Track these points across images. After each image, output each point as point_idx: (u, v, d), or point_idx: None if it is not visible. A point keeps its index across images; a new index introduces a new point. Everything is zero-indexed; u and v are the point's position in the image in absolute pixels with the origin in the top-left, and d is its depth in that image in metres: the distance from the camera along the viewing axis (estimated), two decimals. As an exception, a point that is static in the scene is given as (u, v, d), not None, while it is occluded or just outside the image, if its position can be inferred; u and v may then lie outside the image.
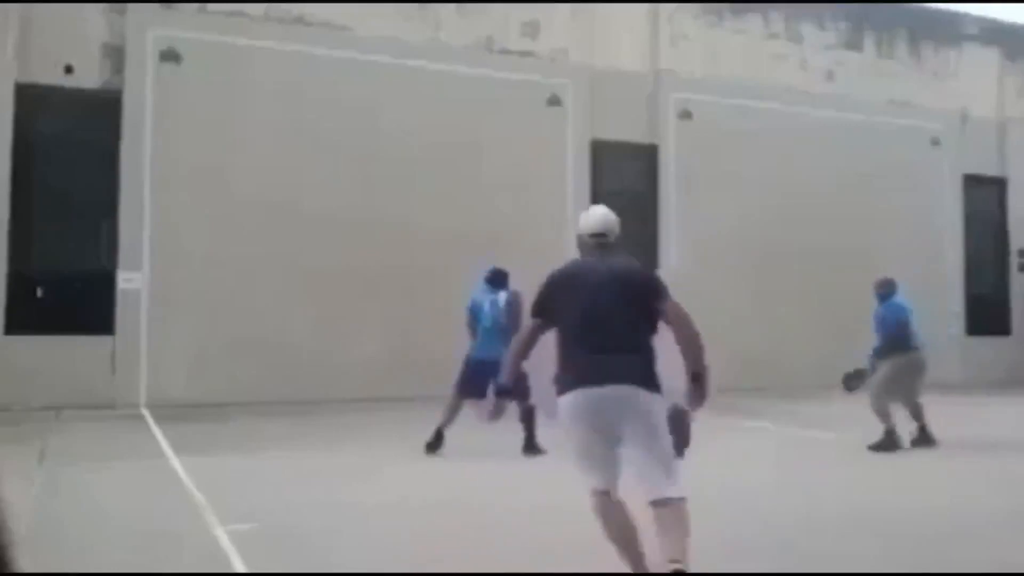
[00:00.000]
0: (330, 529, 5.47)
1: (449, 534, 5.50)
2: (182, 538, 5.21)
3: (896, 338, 8.65)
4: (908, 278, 16.25)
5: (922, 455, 8.39)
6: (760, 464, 8.06)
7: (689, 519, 3.89)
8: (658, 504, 3.90)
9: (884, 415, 8.51)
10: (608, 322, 4.09)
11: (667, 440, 3.99)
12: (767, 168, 15.95)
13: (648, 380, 4.01)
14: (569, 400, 4.02)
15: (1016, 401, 14.09)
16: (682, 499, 3.90)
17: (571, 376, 4.05)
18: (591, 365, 4.01)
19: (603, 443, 4.00)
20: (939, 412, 9.16)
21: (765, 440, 9.84)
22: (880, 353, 8.73)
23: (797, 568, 4.65)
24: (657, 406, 4.00)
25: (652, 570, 3.95)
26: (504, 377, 4.56)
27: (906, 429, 8.74)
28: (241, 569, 4.58)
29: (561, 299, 4.22)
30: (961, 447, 9.06)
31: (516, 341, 4.45)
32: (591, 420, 3.99)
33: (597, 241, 4.36)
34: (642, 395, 3.96)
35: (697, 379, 4.11)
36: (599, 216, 4.43)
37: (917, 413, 8.82)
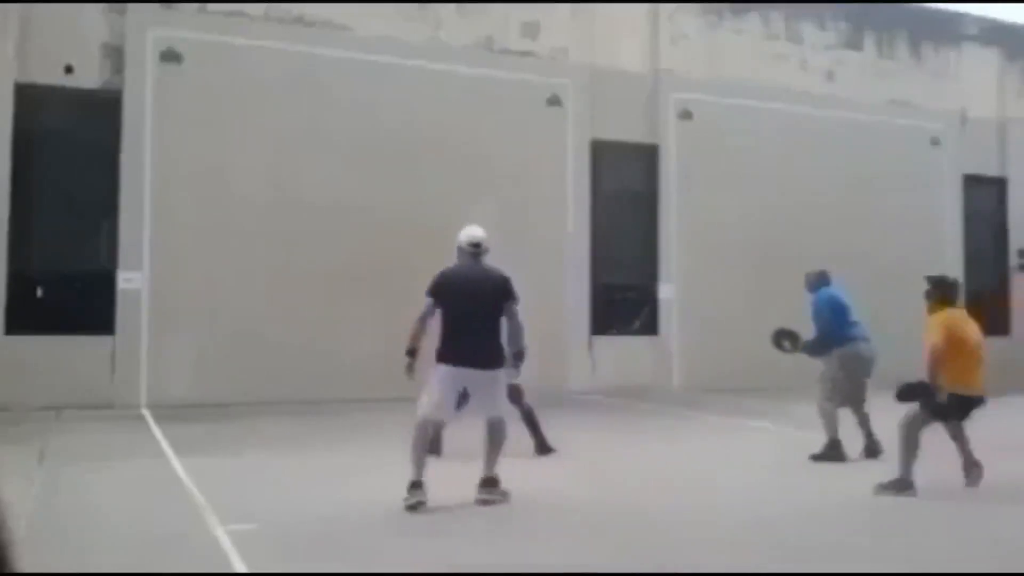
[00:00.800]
0: (330, 529, 5.47)
1: (449, 534, 5.50)
2: (182, 538, 5.21)
3: (833, 327, 8.09)
4: (908, 278, 16.33)
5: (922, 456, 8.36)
6: (760, 464, 8.07)
7: (505, 432, 6.19)
8: (490, 421, 6.12)
9: (829, 421, 7.96)
10: (475, 318, 5.99)
11: (502, 397, 6.18)
12: (767, 168, 15.95)
13: (496, 361, 6.05)
14: (444, 370, 6.00)
15: (1016, 401, 14.08)
16: (502, 418, 6.19)
17: (448, 354, 6.00)
18: (461, 350, 5.96)
19: (453, 400, 6.07)
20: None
21: (765, 440, 9.85)
22: (817, 345, 8.15)
23: (796, 567, 4.65)
24: (499, 376, 6.11)
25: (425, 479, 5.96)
26: (409, 341, 6.16)
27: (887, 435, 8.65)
28: (241, 569, 4.58)
29: (446, 293, 6.08)
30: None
31: (420, 316, 6.15)
32: (453, 384, 6.01)
33: (474, 250, 6.19)
34: (491, 373, 6.02)
35: (517, 357, 6.24)
36: (476, 231, 6.27)
37: (863, 421, 8.16)
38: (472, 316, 5.99)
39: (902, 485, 6.56)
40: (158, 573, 4.57)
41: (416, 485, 5.96)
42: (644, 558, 4.93)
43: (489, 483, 6.07)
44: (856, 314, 8.30)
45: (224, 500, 6.01)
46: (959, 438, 6.91)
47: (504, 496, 6.09)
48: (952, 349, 6.47)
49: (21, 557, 1.41)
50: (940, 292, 6.83)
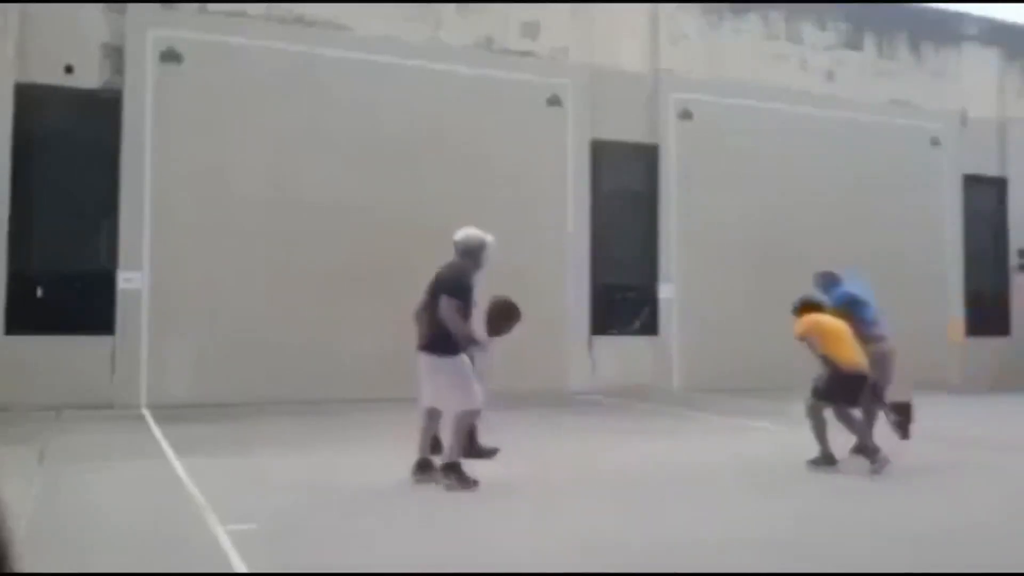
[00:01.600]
0: (330, 529, 5.47)
1: (450, 533, 5.51)
2: (182, 538, 5.21)
3: (861, 324, 7.89)
4: (908, 278, 16.38)
5: (924, 456, 8.36)
6: (759, 464, 8.06)
7: (461, 422, 6.64)
8: (450, 415, 6.72)
9: (849, 423, 7.75)
10: (425, 307, 6.76)
11: (446, 390, 6.64)
12: (767, 168, 15.95)
13: (433, 347, 6.64)
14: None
15: (1015, 401, 14.10)
16: (456, 410, 6.68)
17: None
18: (419, 335, 6.80)
19: (424, 379, 6.75)
20: (939, 412, 9.15)
21: (765, 440, 9.85)
22: None
23: (796, 567, 4.65)
24: (441, 363, 6.61)
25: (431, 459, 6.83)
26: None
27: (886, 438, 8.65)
28: (241, 569, 4.57)
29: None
30: (960, 447, 9.07)
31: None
32: (422, 366, 6.74)
33: (455, 248, 6.92)
34: (433, 358, 6.64)
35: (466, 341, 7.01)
36: (459, 232, 6.96)
37: (870, 420, 7.92)
38: (425, 305, 6.82)
39: (829, 460, 7.58)
40: (158, 573, 4.57)
41: (419, 465, 6.77)
42: (642, 558, 4.93)
43: (448, 469, 6.60)
44: (875, 311, 8.18)
45: (224, 500, 6.01)
46: (839, 420, 7.70)
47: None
48: (830, 338, 7.61)
49: (21, 557, 1.41)
50: (807, 306, 7.99)
